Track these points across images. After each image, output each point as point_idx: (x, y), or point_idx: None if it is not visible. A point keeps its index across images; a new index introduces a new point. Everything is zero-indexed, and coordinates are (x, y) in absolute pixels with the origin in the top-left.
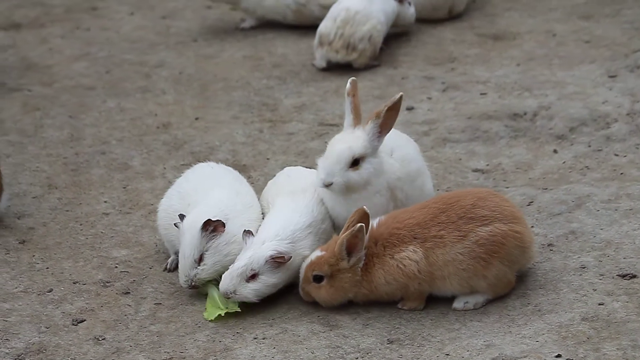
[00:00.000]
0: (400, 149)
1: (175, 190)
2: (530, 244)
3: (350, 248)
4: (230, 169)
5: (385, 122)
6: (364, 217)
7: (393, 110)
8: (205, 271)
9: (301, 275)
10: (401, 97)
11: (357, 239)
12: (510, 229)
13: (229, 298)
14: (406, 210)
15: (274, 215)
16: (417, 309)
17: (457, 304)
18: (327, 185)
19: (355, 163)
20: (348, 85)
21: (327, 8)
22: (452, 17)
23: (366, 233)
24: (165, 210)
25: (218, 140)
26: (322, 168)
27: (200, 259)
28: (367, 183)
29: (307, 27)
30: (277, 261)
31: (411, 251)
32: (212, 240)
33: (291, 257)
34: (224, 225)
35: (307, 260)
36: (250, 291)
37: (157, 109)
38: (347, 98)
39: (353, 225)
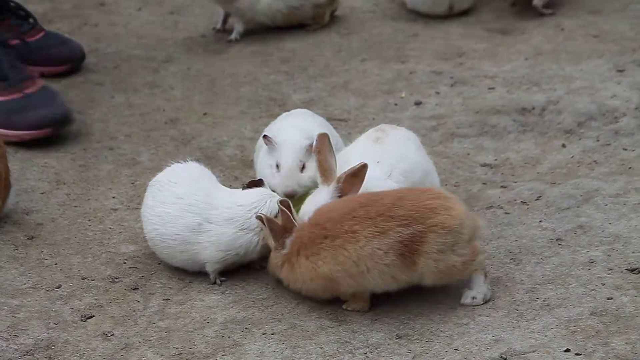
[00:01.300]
0: (402, 161)
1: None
2: (462, 220)
3: (271, 229)
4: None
5: (347, 187)
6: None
7: (355, 177)
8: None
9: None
10: (365, 166)
11: (272, 223)
12: (430, 225)
13: None
14: (336, 201)
15: None
16: (362, 310)
17: (465, 300)
18: None
19: None
20: (314, 142)
21: (321, 7)
22: (455, 14)
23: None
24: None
25: (226, 136)
26: None
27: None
28: None
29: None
30: None
31: (322, 255)
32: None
33: None
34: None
35: None
36: None
37: (165, 104)
38: (313, 154)
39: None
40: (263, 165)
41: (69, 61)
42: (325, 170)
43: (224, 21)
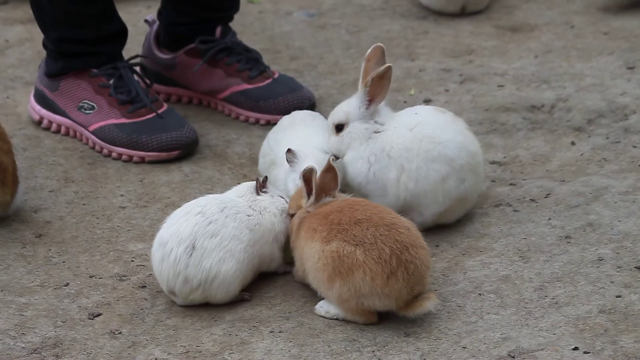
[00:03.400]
0: (429, 127)
1: None
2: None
3: (307, 183)
4: None
5: (373, 90)
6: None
7: (382, 79)
8: None
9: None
10: (389, 67)
11: (311, 174)
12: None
13: None
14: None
15: None
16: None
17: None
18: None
19: (338, 129)
20: (370, 50)
21: None
22: (468, 13)
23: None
24: None
25: (235, 134)
26: None
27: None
28: (350, 148)
29: (324, 21)
30: None
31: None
32: None
33: None
34: None
35: None
36: None
37: (174, 103)
38: (363, 62)
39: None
40: (290, 186)
41: None
42: (366, 76)
43: None
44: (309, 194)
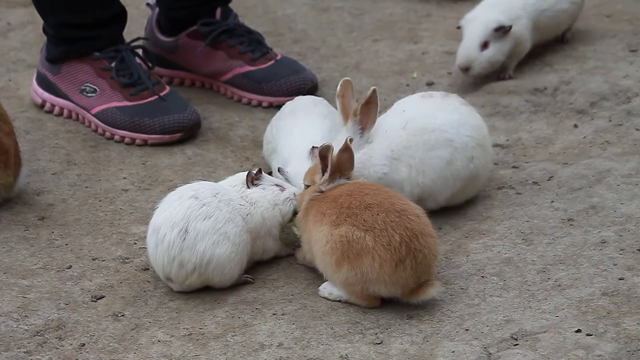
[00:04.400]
0: (419, 119)
1: None
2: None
3: (322, 160)
4: None
5: (364, 118)
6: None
7: (369, 105)
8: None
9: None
10: (374, 91)
11: (327, 151)
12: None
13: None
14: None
15: None
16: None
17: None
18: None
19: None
20: (338, 87)
21: None
22: None
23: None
24: None
25: (237, 116)
26: None
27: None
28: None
29: (327, 3)
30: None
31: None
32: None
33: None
34: None
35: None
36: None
37: (177, 86)
38: (337, 99)
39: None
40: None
41: None
42: (346, 114)
43: None
44: (323, 171)
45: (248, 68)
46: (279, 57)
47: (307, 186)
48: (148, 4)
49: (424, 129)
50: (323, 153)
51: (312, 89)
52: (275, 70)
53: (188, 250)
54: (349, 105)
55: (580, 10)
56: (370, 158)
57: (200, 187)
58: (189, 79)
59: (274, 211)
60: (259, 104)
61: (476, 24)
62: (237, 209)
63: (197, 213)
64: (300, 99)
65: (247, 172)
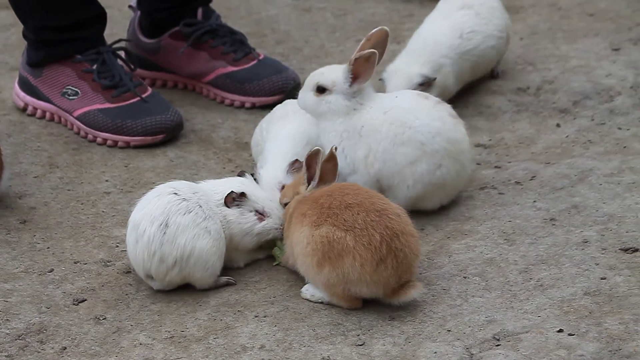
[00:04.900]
0: (402, 112)
1: None
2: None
3: (309, 169)
4: None
5: (357, 69)
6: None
7: (367, 62)
8: None
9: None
10: (374, 53)
11: (314, 160)
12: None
13: None
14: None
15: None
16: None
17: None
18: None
19: (319, 90)
20: (374, 30)
21: None
22: None
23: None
24: None
25: (220, 118)
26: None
27: None
28: (322, 116)
29: (309, 4)
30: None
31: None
32: None
33: None
34: None
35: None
36: None
37: (159, 88)
38: (364, 39)
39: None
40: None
41: None
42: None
43: None
44: (309, 181)
45: (231, 68)
46: (261, 57)
47: (286, 204)
48: (130, 6)
49: (403, 123)
50: (309, 162)
51: (294, 89)
52: (258, 70)
53: (169, 244)
54: (364, 49)
55: (507, 44)
56: (341, 118)
57: (179, 185)
58: (172, 81)
59: (243, 239)
60: (242, 105)
61: (399, 78)
62: (215, 210)
63: (177, 208)
64: (292, 103)
65: (229, 192)
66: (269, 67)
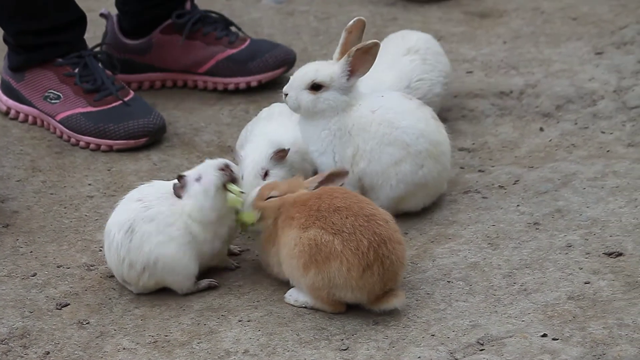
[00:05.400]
0: (390, 112)
1: None
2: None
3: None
4: None
5: (355, 62)
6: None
7: (367, 54)
8: None
9: (253, 195)
10: (377, 44)
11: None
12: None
13: None
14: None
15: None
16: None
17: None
18: (285, 95)
19: (315, 87)
20: (351, 22)
21: None
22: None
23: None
24: None
25: (203, 122)
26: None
27: None
28: (319, 114)
29: (292, 7)
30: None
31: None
32: None
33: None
34: None
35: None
36: None
37: (142, 91)
38: (343, 32)
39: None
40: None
41: None
42: (346, 50)
43: None
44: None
45: (230, 51)
46: (250, 38)
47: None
48: (102, 15)
49: (390, 123)
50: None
51: (294, 60)
52: (257, 48)
53: (135, 251)
54: (351, 43)
55: (450, 90)
56: (336, 117)
57: (146, 191)
58: (160, 80)
59: (207, 215)
60: (248, 85)
61: None
62: (177, 209)
63: (143, 215)
64: (278, 106)
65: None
66: (264, 43)
